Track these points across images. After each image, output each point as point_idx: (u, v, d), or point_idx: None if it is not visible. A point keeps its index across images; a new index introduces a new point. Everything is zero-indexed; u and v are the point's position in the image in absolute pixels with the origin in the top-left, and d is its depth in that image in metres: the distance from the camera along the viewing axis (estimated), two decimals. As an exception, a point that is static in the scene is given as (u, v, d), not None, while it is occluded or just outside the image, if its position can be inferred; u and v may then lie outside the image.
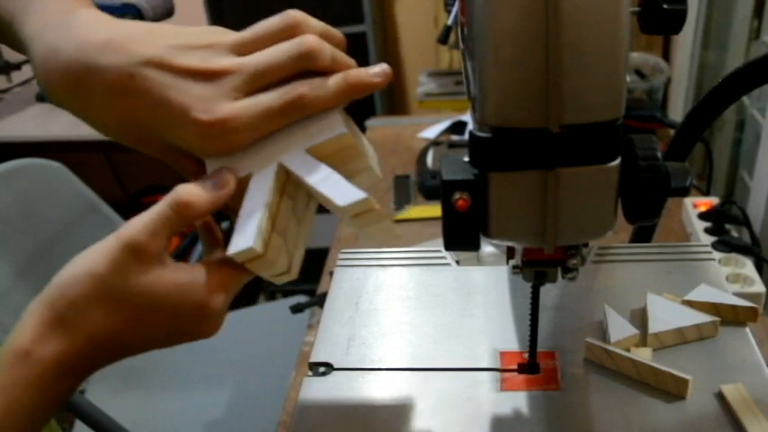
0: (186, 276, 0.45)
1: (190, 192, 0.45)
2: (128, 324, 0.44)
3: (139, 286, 0.43)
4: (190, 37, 0.46)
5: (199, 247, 2.32)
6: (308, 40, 0.45)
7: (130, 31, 0.45)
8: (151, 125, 0.45)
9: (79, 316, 0.43)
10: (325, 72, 0.46)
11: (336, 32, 0.49)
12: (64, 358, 0.43)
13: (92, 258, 0.44)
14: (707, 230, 1.11)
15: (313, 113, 0.46)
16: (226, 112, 0.44)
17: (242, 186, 0.46)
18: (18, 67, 2.17)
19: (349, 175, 0.46)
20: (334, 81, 0.46)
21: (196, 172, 0.48)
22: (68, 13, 0.47)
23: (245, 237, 0.44)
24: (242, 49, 0.46)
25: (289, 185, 0.47)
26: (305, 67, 0.46)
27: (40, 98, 2.19)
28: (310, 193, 0.48)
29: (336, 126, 0.46)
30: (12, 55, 2.18)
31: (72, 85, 0.45)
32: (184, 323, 0.45)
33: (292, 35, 0.46)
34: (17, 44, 0.51)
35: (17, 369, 0.42)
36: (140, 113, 0.45)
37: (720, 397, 0.56)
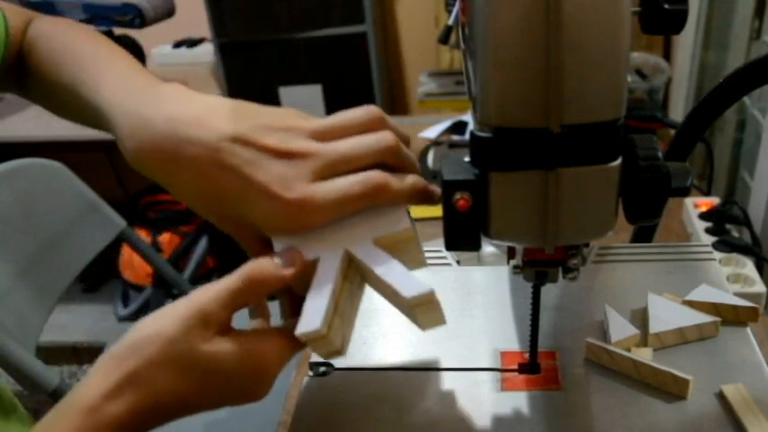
0: (247, 346, 0.46)
1: (262, 269, 0.46)
2: (191, 388, 0.45)
3: (205, 354, 0.45)
4: (272, 117, 0.48)
5: (197, 250, 2.32)
6: (389, 138, 0.48)
7: (216, 108, 0.48)
8: (231, 199, 0.47)
9: (148, 375, 0.44)
10: (394, 168, 0.49)
11: (404, 132, 0.51)
12: (130, 416, 0.44)
13: (163, 320, 0.45)
14: (707, 230, 1.11)
15: (381, 205, 0.48)
16: (306, 192, 0.46)
17: (305, 269, 0.48)
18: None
19: (404, 263, 0.48)
20: (410, 180, 0.49)
21: (260, 251, 0.50)
22: (154, 87, 0.50)
23: (314, 319, 0.46)
24: (320, 136, 0.48)
25: (350, 270, 0.49)
26: (380, 161, 0.48)
27: (41, 98, 2.19)
28: (363, 276, 0.50)
29: (403, 220, 0.48)
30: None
31: (162, 156, 0.47)
32: (241, 389, 0.47)
33: (370, 129, 0.48)
34: (82, 107, 0.53)
35: (82, 423, 0.43)
36: (223, 187, 0.47)
37: (721, 397, 0.56)
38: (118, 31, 2.05)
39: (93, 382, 0.44)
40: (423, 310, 0.47)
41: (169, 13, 2.04)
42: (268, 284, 0.46)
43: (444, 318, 0.49)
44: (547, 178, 0.44)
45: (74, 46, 0.57)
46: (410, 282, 0.46)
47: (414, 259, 0.50)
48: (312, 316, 0.46)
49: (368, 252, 0.48)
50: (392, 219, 0.48)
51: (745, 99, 1.32)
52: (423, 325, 0.49)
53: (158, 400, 0.44)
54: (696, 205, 1.17)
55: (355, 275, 0.50)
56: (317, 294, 0.47)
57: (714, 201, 1.18)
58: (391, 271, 0.47)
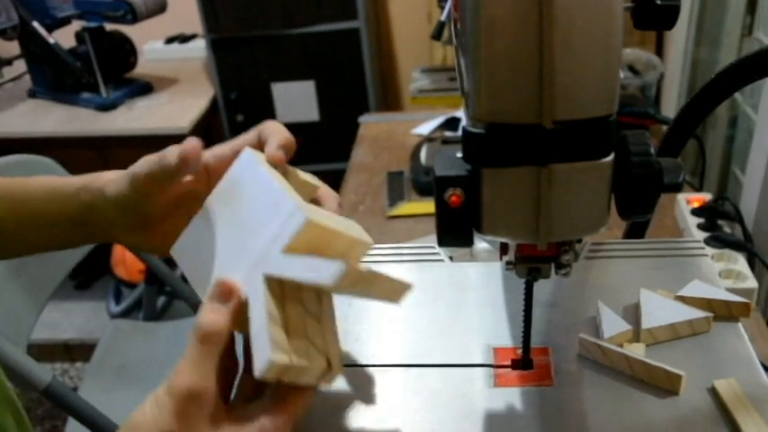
0: (252, 427, 0.46)
1: (209, 322, 0.46)
2: None
3: None
4: None
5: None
6: None
7: None
8: None
9: None
10: None
11: None
12: None
13: (153, 417, 0.44)
14: (700, 226, 1.12)
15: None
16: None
17: (241, 306, 0.47)
18: (9, 62, 2.16)
19: (339, 256, 0.47)
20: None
21: None
22: None
23: (263, 353, 0.44)
24: None
25: (288, 290, 0.48)
26: None
27: (32, 94, 2.18)
28: (317, 290, 0.49)
29: (297, 217, 0.46)
30: (3, 50, 2.17)
31: None
32: None
33: None
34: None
35: None
36: None
37: (713, 392, 0.56)
38: (109, 26, 2.04)
39: None
40: (364, 288, 0.46)
41: (161, 8, 2.03)
42: (224, 331, 0.46)
43: (397, 284, 0.47)
44: (539, 174, 0.44)
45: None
46: (325, 267, 0.44)
47: (347, 247, 0.49)
48: (260, 351, 0.44)
49: (280, 264, 0.46)
50: (285, 221, 0.46)
51: (737, 95, 1.32)
52: (379, 297, 0.48)
53: None
54: (688, 201, 1.18)
55: (301, 293, 0.48)
56: (257, 330, 0.45)
57: (706, 197, 1.18)
58: (308, 269, 0.45)
